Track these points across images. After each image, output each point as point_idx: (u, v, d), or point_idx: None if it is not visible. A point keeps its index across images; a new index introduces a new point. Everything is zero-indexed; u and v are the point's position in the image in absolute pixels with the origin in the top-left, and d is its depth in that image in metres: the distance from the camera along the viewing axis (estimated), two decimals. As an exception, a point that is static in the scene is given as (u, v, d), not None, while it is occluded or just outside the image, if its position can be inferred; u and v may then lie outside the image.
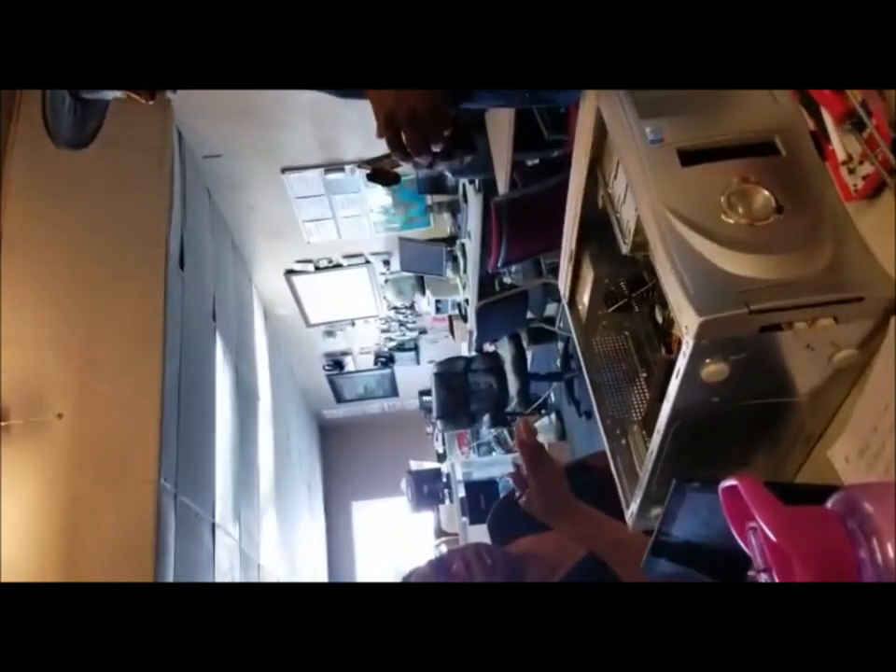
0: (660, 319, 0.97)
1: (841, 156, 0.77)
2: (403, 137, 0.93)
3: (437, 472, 5.95)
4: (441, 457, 7.03)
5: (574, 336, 1.14)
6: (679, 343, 0.73)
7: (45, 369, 3.34)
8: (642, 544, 0.89)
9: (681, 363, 0.73)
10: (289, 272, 6.04)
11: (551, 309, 5.06)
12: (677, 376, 0.75)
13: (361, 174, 5.19)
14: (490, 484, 5.42)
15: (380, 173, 1.14)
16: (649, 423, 0.94)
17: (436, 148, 0.94)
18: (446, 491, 5.73)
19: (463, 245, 5.11)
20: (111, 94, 1.10)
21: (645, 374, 1.06)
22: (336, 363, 7.48)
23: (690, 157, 0.81)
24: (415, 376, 7.56)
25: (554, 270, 4.03)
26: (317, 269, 6.05)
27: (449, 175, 4.52)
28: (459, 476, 5.65)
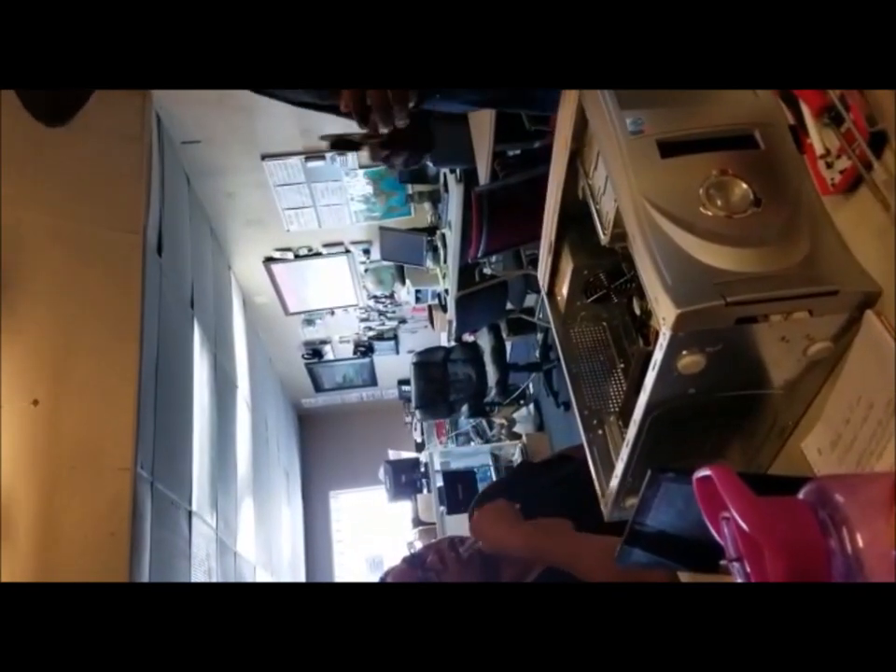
0: (638, 311, 0.97)
1: (819, 150, 0.77)
2: (368, 100, 0.92)
3: (415, 462, 5.97)
4: (420, 447, 7.04)
5: (553, 327, 1.15)
6: (657, 334, 0.74)
7: (20, 355, 3.29)
8: (596, 551, 0.89)
9: (658, 354, 0.73)
10: (268, 259, 6.01)
11: (530, 300, 5.08)
12: (653, 368, 0.75)
13: (342, 162, 5.16)
14: (468, 474, 5.44)
15: (343, 142, 1.18)
16: (625, 413, 0.94)
17: (399, 120, 0.93)
18: (424, 480, 5.75)
19: (443, 235, 5.11)
20: None
21: (623, 365, 1.07)
22: (315, 352, 7.45)
23: (669, 149, 0.81)
24: (394, 366, 7.56)
25: (534, 261, 4.04)
26: (297, 257, 6.02)
27: (431, 164, 4.50)
28: (437, 466, 5.67)
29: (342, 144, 1.20)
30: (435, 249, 5.41)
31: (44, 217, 3.54)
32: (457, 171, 4.12)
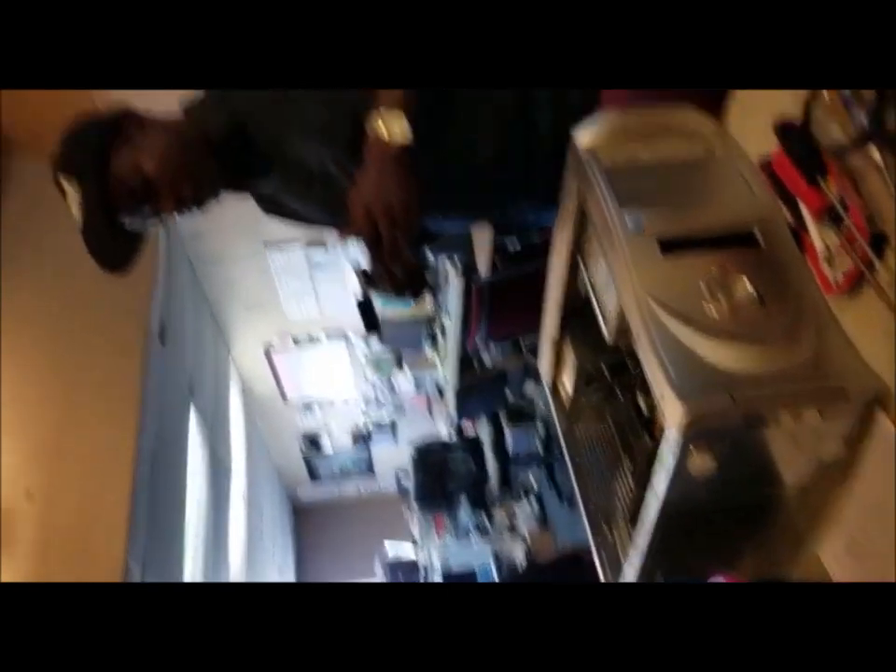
0: (643, 406, 0.96)
1: (820, 249, 0.77)
2: (379, 227, 0.99)
3: (413, 564, 5.85)
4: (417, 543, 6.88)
5: (556, 422, 1.13)
6: (662, 430, 0.72)
7: (15, 446, 3.25)
8: None
9: (666, 454, 0.72)
10: (268, 346, 6.02)
11: (529, 388, 5.05)
12: (661, 465, 0.73)
13: (343, 250, 5.24)
14: (469, 578, 5.32)
15: (370, 280, 1.20)
16: (633, 513, 0.92)
17: (405, 252, 1.00)
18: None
19: (442, 325, 5.13)
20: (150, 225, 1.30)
21: (628, 462, 1.05)
22: (312, 442, 7.38)
23: (670, 246, 0.82)
24: (393, 456, 7.47)
25: (534, 349, 4.03)
26: (297, 343, 6.04)
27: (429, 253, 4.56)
28: (437, 564, 5.53)
29: (370, 281, 1.25)
30: (434, 338, 5.42)
31: (46, 304, 3.55)
32: (457, 262, 4.17)
